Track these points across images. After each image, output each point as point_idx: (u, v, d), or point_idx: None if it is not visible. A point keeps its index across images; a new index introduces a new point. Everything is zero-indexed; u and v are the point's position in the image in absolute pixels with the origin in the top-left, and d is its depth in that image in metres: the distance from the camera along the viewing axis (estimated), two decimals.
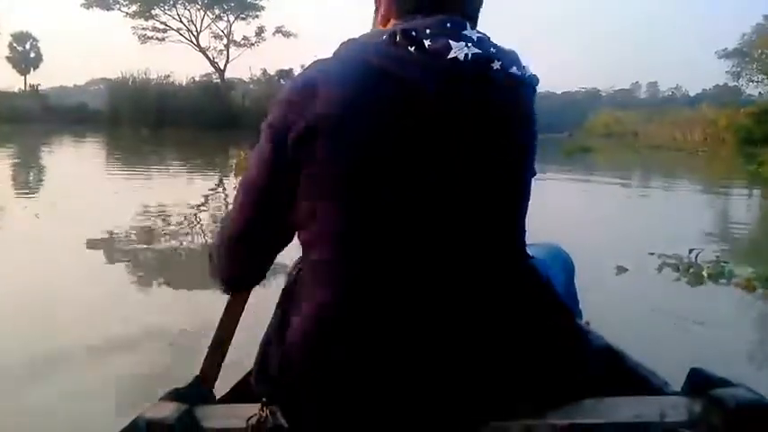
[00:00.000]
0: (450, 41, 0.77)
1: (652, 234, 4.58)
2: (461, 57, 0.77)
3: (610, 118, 35.20)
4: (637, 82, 75.67)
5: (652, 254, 3.63)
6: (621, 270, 3.29)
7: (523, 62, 0.84)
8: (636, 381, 1.01)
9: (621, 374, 1.04)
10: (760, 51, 30.73)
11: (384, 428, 0.79)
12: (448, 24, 0.79)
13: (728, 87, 39.89)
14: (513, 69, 0.81)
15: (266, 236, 0.86)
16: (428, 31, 0.78)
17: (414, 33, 0.77)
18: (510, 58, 0.82)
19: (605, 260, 3.40)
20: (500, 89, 0.80)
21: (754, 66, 32.40)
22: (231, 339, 1.06)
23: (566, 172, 10.08)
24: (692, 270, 3.33)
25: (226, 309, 1.06)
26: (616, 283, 3.13)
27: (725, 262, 3.44)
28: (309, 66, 0.83)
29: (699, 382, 0.90)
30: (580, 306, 1.31)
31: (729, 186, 10.08)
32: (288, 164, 0.79)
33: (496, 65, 0.79)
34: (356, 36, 0.84)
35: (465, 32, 0.79)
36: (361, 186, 0.77)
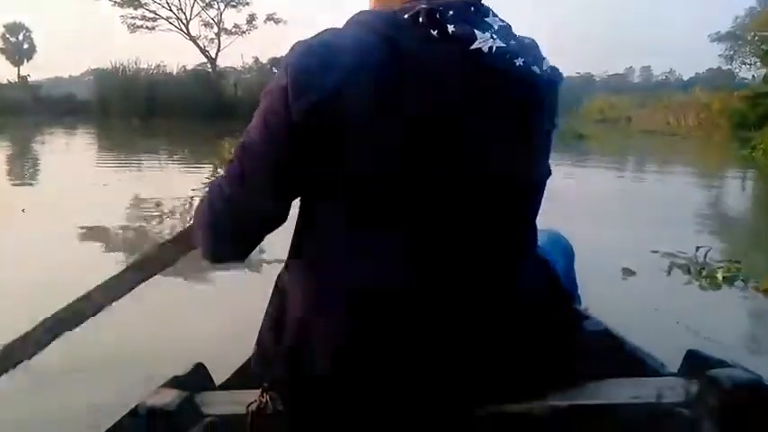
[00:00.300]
0: (476, 30, 0.73)
1: (652, 227, 4.39)
2: (485, 49, 0.73)
3: (604, 103, 35.26)
4: (630, 66, 76.24)
5: (656, 252, 3.44)
6: (628, 273, 3.05)
7: (543, 54, 0.80)
8: (634, 363, 1.03)
9: (620, 358, 1.06)
10: (753, 34, 30.66)
11: (384, 413, 0.79)
12: (471, 8, 0.75)
13: (722, 71, 39.95)
14: (535, 67, 0.77)
15: (261, 208, 0.80)
16: (451, 13, 0.73)
17: (438, 15, 0.72)
18: (532, 52, 0.78)
19: (607, 259, 3.19)
20: (521, 86, 0.77)
21: (748, 49, 32.35)
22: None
23: (558, 159, 10.05)
24: (704, 272, 3.07)
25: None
26: (626, 291, 2.89)
27: (737, 261, 3.21)
28: (319, 34, 0.77)
29: (696, 363, 0.91)
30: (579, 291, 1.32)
31: (724, 173, 10.02)
32: (289, 137, 0.74)
33: (519, 61, 0.75)
34: (368, 9, 0.79)
35: (487, 20, 0.76)
36: (361, 175, 0.74)
